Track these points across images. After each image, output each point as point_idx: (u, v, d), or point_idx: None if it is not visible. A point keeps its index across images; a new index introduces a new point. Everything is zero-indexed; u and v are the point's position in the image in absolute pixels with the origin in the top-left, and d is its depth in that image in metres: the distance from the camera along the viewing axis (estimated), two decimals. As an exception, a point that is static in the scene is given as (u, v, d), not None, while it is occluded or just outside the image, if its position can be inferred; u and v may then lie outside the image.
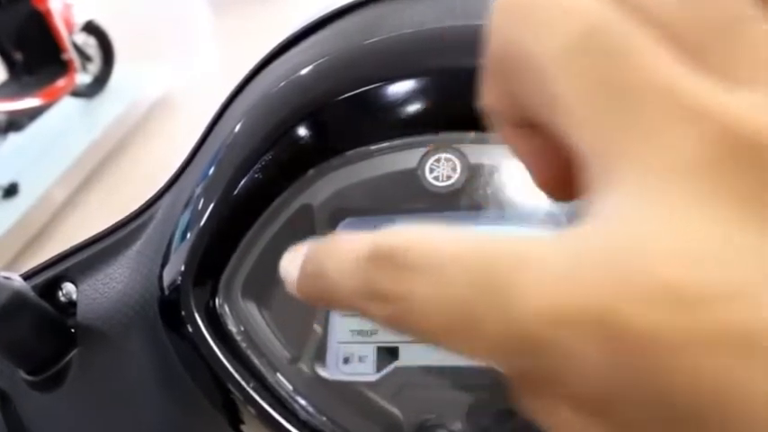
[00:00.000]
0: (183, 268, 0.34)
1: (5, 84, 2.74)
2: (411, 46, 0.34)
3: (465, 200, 0.32)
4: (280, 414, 0.31)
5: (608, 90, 0.13)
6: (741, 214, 0.12)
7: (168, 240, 0.36)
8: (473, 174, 0.33)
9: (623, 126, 0.13)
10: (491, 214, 0.32)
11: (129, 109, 3.05)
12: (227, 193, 0.34)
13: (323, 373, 0.32)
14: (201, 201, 0.35)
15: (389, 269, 0.14)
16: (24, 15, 2.71)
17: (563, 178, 0.17)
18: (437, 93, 0.33)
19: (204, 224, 0.34)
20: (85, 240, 0.40)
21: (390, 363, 0.32)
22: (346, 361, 0.32)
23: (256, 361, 0.33)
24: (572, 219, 0.31)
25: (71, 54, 2.78)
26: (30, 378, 0.38)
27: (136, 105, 3.09)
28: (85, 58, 2.94)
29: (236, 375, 0.32)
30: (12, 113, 2.60)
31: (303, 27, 0.39)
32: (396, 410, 0.31)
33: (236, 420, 0.33)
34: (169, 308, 0.35)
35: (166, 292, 0.35)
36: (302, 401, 0.32)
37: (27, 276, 0.40)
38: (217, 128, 0.40)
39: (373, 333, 0.32)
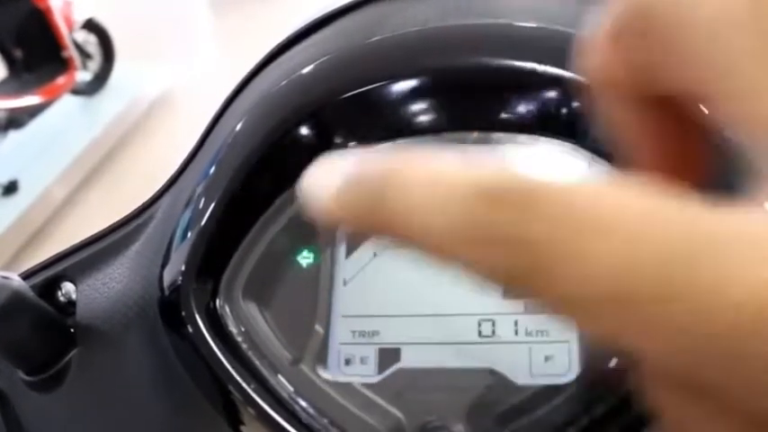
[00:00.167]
0: (183, 268, 0.34)
1: (5, 81, 2.73)
2: (414, 45, 0.34)
3: None
4: (280, 415, 0.31)
5: None
6: None
7: (168, 240, 0.36)
8: None
9: None
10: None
11: (130, 107, 3.05)
12: (227, 193, 0.34)
13: (324, 374, 0.32)
14: (202, 200, 0.35)
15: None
16: (24, 13, 2.71)
17: (683, 157, 0.16)
18: (440, 92, 0.33)
19: (205, 224, 0.34)
20: (85, 240, 0.40)
21: (392, 364, 0.31)
22: (348, 362, 0.32)
23: (257, 362, 0.32)
24: None
25: (71, 52, 2.78)
26: (28, 378, 0.38)
27: (136, 103, 3.08)
28: (86, 55, 2.94)
29: (237, 376, 0.32)
30: (12, 111, 2.60)
31: (304, 26, 0.39)
32: (397, 412, 0.30)
33: (236, 422, 0.33)
34: (169, 308, 0.35)
35: (166, 293, 0.35)
36: (303, 403, 0.31)
37: (26, 276, 0.39)
38: (218, 127, 0.39)
39: (375, 334, 0.32)
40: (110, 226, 0.40)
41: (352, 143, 0.34)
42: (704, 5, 0.13)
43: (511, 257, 0.12)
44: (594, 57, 0.16)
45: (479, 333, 0.31)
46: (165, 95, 3.16)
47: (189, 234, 0.35)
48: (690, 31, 0.13)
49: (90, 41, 2.99)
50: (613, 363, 0.29)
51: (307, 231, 0.34)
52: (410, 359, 0.31)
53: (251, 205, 0.34)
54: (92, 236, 0.40)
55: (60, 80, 2.76)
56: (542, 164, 0.32)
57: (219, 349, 0.32)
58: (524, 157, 0.32)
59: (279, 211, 0.34)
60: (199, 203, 0.35)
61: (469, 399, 0.30)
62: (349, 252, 0.34)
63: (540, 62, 0.31)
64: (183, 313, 0.33)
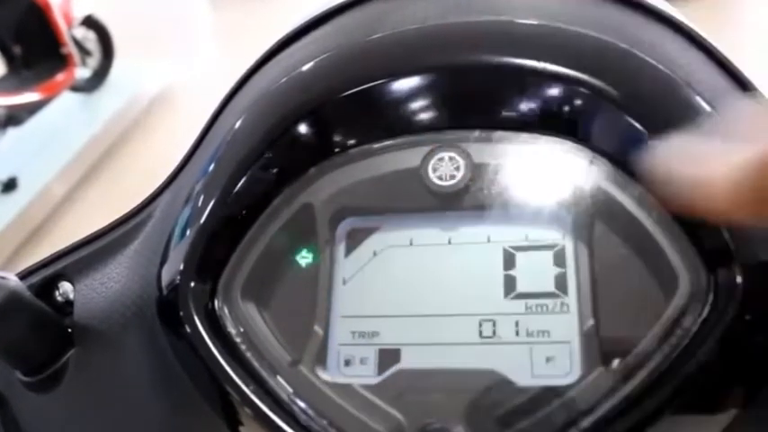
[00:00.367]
0: (181, 267, 0.34)
1: (4, 78, 2.73)
2: (414, 42, 0.34)
3: (469, 200, 0.32)
4: (279, 417, 0.31)
5: None
6: None
7: (167, 238, 0.36)
8: (477, 173, 0.32)
9: None
10: (495, 214, 0.32)
11: (129, 104, 3.05)
12: (226, 192, 0.34)
13: (323, 375, 0.32)
14: (201, 198, 0.34)
15: None
16: (23, 9, 2.70)
17: None
18: (440, 90, 0.33)
19: (204, 223, 0.34)
20: (83, 239, 0.40)
21: (392, 365, 0.31)
22: (347, 363, 0.32)
23: (256, 363, 0.32)
24: (578, 221, 0.31)
25: (70, 48, 2.78)
26: (26, 379, 0.38)
27: (136, 100, 3.08)
28: (85, 52, 2.93)
29: (235, 377, 0.31)
30: (11, 108, 2.60)
31: (304, 22, 0.39)
32: (397, 414, 0.30)
33: (234, 423, 0.33)
34: (167, 308, 0.34)
35: (164, 292, 0.34)
36: (302, 404, 0.31)
37: (23, 275, 0.39)
38: (217, 124, 0.39)
39: (375, 335, 0.32)
40: (108, 225, 0.40)
41: (351, 141, 0.34)
42: None
43: None
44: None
45: (480, 334, 0.31)
46: (164, 92, 3.15)
47: (188, 232, 0.34)
48: None
49: (89, 38, 2.99)
50: (614, 363, 0.28)
51: (306, 230, 0.34)
52: (410, 360, 0.31)
53: (250, 204, 0.34)
54: (89, 235, 0.40)
55: (59, 77, 2.76)
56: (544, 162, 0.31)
57: (218, 350, 0.32)
58: (526, 156, 0.32)
59: (278, 211, 0.34)
60: (198, 201, 0.35)
61: (470, 400, 0.30)
62: (348, 251, 0.33)
63: (541, 60, 0.31)
64: (181, 313, 0.33)
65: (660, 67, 0.31)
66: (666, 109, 0.30)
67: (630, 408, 0.27)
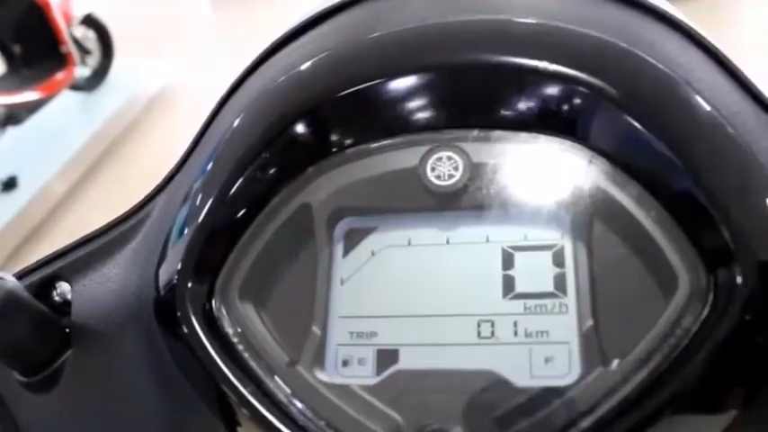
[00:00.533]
0: (179, 267, 0.34)
1: (4, 77, 2.73)
2: (412, 41, 0.33)
3: (467, 199, 0.32)
4: (277, 418, 0.30)
5: None
6: None
7: (165, 238, 0.36)
8: (475, 173, 0.32)
9: None
10: (494, 214, 0.32)
11: (129, 103, 3.05)
12: (224, 191, 0.34)
13: (321, 376, 0.31)
14: (200, 196, 0.34)
15: None
16: (23, 8, 2.70)
17: None
18: (439, 89, 0.33)
19: (201, 222, 0.34)
20: (80, 239, 0.40)
21: (390, 366, 0.31)
22: (345, 364, 0.32)
23: (253, 364, 0.32)
24: (577, 220, 0.31)
25: (70, 47, 2.78)
26: (24, 379, 0.38)
27: (135, 99, 3.08)
28: (84, 51, 2.93)
29: (233, 378, 0.31)
30: (10, 107, 2.60)
31: (303, 21, 0.39)
32: (396, 415, 0.30)
33: (232, 423, 0.33)
34: (164, 308, 0.34)
35: (162, 292, 0.34)
36: (300, 405, 0.31)
37: (21, 275, 0.39)
38: (215, 123, 0.39)
39: (373, 335, 0.32)
40: (105, 225, 0.40)
41: (349, 141, 0.34)
42: None
43: None
44: None
45: (478, 334, 0.30)
46: (164, 91, 3.15)
47: (186, 231, 0.34)
48: None
49: (89, 37, 2.99)
50: (614, 364, 0.28)
51: (303, 230, 0.34)
52: (408, 360, 0.31)
53: (247, 203, 0.34)
54: (87, 235, 0.40)
55: (59, 76, 2.76)
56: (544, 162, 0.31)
57: (215, 350, 0.32)
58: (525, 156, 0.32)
59: (275, 210, 0.34)
60: (196, 200, 0.34)
61: (469, 401, 0.29)
62: (346, 251, 0.33)
63: (540, 59, 0.31)
64: (179, 314, 0.33)
65: (660, 66, 0.31)
66: (666, 108, 0.30)
67: (630, 409, 0.27)
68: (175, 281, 0.33)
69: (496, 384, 0.30)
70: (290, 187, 0.34)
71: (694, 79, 0.31)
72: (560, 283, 0.30)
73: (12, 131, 2.68)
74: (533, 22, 0.33)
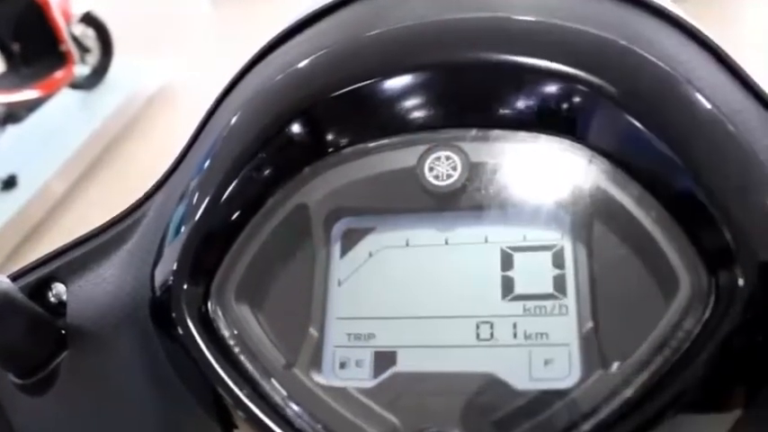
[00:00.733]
0: (175, 267, 0.33)
1: (3, 75, 2.73)
2: (410, 39, 0.33)
3: (465, 199, 0.31)
4: (273, 421, 0.30)
5: None
6: None
7: (161, 237, 0.36)
8: (474, 173, 0.32)
9: None
10: (493, 214, 0.31)
11: (129, 101, 3.05)
12: (220, 191, 0.33)
13: (318, 378, 0.31)
14: (196, 196, 0.34)
15: None
16: (22, 6, 2.70)
17: None
18: (437, 88, 0.32)
19: (197, 222, 0.33)
20: (76, 239, 0.39)
21: (388, 368, 0.31)
22: (342, 366, 0.31)
23: (249, 366, 0.32)
24: (577, 221, 0.30)
25: (69, 45, 2.77)
26: (19, 381, 0.37)
27: (135, 97, 3.08)
28: (84, 49, 2.93)
29: (229, 381, 0.31)
30: (10, 105, 2.60)
31: (300, 19, 0.38)
32: (393, 418, 0.30)
33: (228, 425, 0.33)
34: (160, 309, 0.34)
35: (157, 293, 0.34)
36: (296, 408, 0.31)
37: (16, 277, 0.39)
38: (212, 121, 0.39)
39: (370, 337, 0.31)
40: (101, 225, 0.40)
41: (346, 140, 0.33)
42: None
43: None
44: None
45: (477, 336, 0.30)
46: (163, 89, 3.15)
47: (182, 230, 0.34)
48: None
49: (88, 35, 2.99)
50: (614, 366, 0.28)
51: (300, 231, 0.33)
52: (406, 363, 0.31)
53: (244, 203, 0.33)
54: (83, 236, 0.39)
55: (58, 74, 2.75)
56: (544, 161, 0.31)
57: (211, 353, 0.32)
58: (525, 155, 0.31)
59: (272, 211, 0.33)
60: (192, 199, 0.34)
61: (467, 404, 0.29)
62: (343, 252, 0.33)
63: (538, 57, 0.31)
64: (174, 315, 0.32)
65: (660, 63, 0.30)
66: (666, 106, 0.29)
67: (631, 412, 0.27)
68: (171, 282, 0.33)
69: (495, 387, 0.29)
70: (286, 187, 0.33)
71: (695, 77, 0.31)
72: (560, 284, 0.30)
73: (11, 130, 2.68)
74: (532, 19, 0.32)
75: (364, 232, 0.33)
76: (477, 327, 0.30)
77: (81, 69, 2.95)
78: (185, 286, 0.33)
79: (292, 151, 0.33)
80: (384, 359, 0.31)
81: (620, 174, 0.30)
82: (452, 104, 0.32)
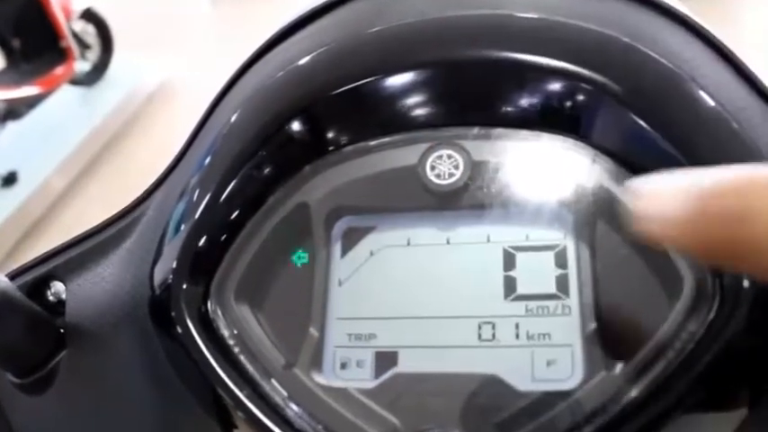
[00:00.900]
0: (174, 265, 0.33)
1: (3, 72, 2.72)
2: (411, 37, 0.33)
3: (467, 198, 0.31)
4: (273, 421, 0.30)
5: None
6: None
7: (161, 235, 0.35)
8: (476, 171, 0.31)
9: None
10: (495, 214, 0.31)
11: (129, 97, 3.05)
12: (220, 190, 0.33)
13: (319, 378, 0.31)
14: (195, 194, 0.34)
15: None
16: (22, 2, 2.70)
17: None
18: (438, 86, 0.32)
19: (197, 220, 0.33)
20: (75, 237, 0.39)
21: (389, 369, 0.30)
22: (343, 366, 0.31)
23: (249, 366, 0.31)
24: (580, 220, 0.30)
25: (69, 42, 2.77)
26: (18, 381, 0.37)
27: (135, 94, 3.08)
28: (84, 45, 2.93)
29: (228, 381, 0.31)
30: (10, 102, 2.59)
31: (300, 16, 0.38)
32: (394, 419, 0.30)
33: (227, 425, 0.32)
34: (159, 308, 0.34)
35: (157, 291, 0.34)
36: (297, 408, 0.30)
37: (14, 275, 0.39)
38: (212, 119, 0.38)
39: (371, 337, 0.31)
40: (100, 223, 0.39)
41: (347, 138, 0.33)
42: None
43: None
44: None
45: (479, 336, 0.30)
46: (164, 86, 3.15)
47: (181, 229, 0.34)
48: None
49: (88, 31, 2.98)
50: (618, 368, 0.28)
51: (300, 230, 0.33)
52: (408, 363, 0.30)
53: (244, 202, 0.33)
54: (82, 234, 0.39)
55: (58, 70, 2.75)
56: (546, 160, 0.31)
57: (210, 353, 0.31)
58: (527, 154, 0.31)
59: (272, 210, 0.33)
60: (192, 197, 0.34)
61: (469, 405, 0.29)
62: (344, 251, 0.33)
63: (541, 55, 0.30)
64: (173, 314, 0.32)
65: (664, 61, 0.30)
66: (671, 105, 0.29)
67: (634, 414, 0.27)
68: (170, 280, 0.33)
69: (497, 388, 0.29)
70: (287, 186, 0.33)
71: (699, 75, 0.30)
72: (563, 284, 0.30)
73: (11, 126, 2.68)
74: (534, 16, 0.32)
75: (365, 231, 0.33)
76: (479, 327, 0.30)
77: (81, 66, 2.94)
78: (185, 285, 0.32)
79: (293, 149, 0.33)
80: (385, 359, 0.31)
81: (624, 172, 0.29)
82: (454, 102, 0.32)
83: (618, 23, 0.32)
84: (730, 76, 0.32)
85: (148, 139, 2.89)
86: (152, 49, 3.28)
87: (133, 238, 0.38)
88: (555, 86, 0.30)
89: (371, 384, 0.30)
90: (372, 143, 0.33)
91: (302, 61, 0.34)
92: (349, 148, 0.33)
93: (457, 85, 0.32)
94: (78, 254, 0.39)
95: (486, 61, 0.31)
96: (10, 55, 2.75)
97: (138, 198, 0.40)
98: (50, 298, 0.39)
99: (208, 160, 0.35)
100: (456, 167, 0.31)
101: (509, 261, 0.31)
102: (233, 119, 0.35)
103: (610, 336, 0.28)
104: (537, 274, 0.30)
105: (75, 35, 2.85)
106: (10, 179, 2.58)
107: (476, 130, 0.32)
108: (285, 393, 0.31)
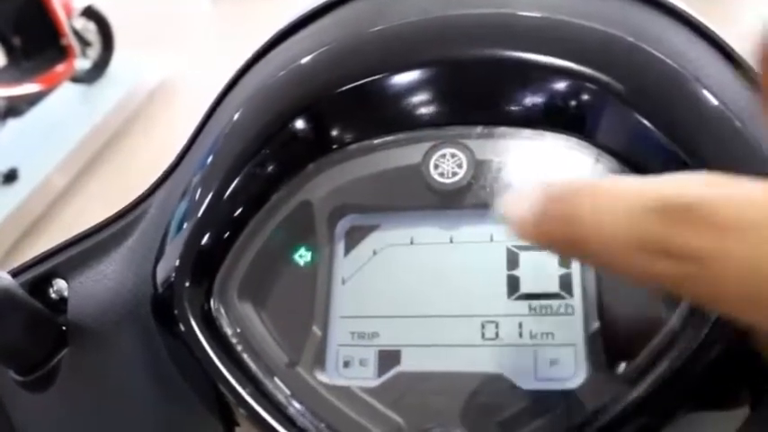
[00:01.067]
0: (177, 263, 0.33)
1: (4, 69, 2.72)
2: (415, 35, 0.33)
3: (471, 197, 0.31)
4: (276, 419, 0.30)
5: None
6: None
7: (163, 233, 0.35)
8: (480, 170, 0.31)
9: None
10: (498, 213, 0.31)
11: (130, 95, 3.04)
12: (223, 187, 0.33)
13: (322, 377, 0.31)
14: (198, 192, 0.34)
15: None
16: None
17: None
18: (442, 85, 0.32)
19: (200, 218, 0.33)
20: (77, 235, 0.39)
21: (392, 367, 0.30)
22: (346, 365, 0.31)
23: (252, 364, 0.31)
24: None
25: (70, 39, 2.76)
26: (20, 378, 0.37)
27: (136, 91, 3.08)
28: (85, 43, 2.92)
29: (231, 379, 0.31)
30: (11, 99, 2.59)
31: (303, 15, 0.38)
32: (397, 417, 0.30)
33: (230, 423, 0.32)
34: (162, 306, 0.34)
35: (159, 290, 0.34)
36: (300, 407, 0.30)
37: (16, 273, 0.39)
38: (214, 117, 0.38)
39: (374, 336, 0.31)
40: (103, 221, 0.39)
41: (350, 137, 0.33)
42: None
43: (677, 268, 0.14)
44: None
45: (482, 335, 0.30)
46: (165, 84, 3.15)
47: (184, 227, 0.34)
48: None
49: (89, 29, 2.97)
50: (621, 367, 0.28)
51: (304, 228, 0.33)
52: (411, 362, 0.30)
53: (247, 200, 0.33)
54: (84, 231, 0.39)
55: (59, 68, 2.75)
56: (551, 160, 0.31)
57: (213, 351, 0.31)
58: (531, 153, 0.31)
59: (275, 208, 0.33)
60: (195, 195, 0.34)
61: (472, 404, 0.29)
62: (347, 250, 0.33)
63: (545, 54, 0.30)
64: (176, 312, 0.32)
65: (667, 60, 0.30)
66: (674, 104, 0.29)
67: (637, 413, 0.27)
68: (173, 279, 0.33)
69: (500, 386, 0.29)
70: (290, 184, 0.33)
71: (703, 74, 0.30)
72: (566, 283, 0.30)
73: (12, 124, 2.67)
74: (538, 15, 0.32)
75: (368, 230, 0.33)
76: (483, 326, 0.30)
77: (82, 63, 2.94)
78: (187, 283, 0.32)
79: (296, 148, 0.33)
80: (388, 358, 0.31)
81: (628, 172, 0.29)
82: (458, 101, 0.32)
83: (622, 23, 0.32)
84: (733, 74, 0.32)
85: (149, 136, 2.89)
86: (153, 46, 3.28)
87: (135, 236, 0.38)
88: (558, 86, 0.30)
89: (374, 383, 0.30)
90: (376, 142, 0.33)
91: (305, 60, 0.34)
92: (352, 146, 0.33)
93: (460, 83, 0.32)
94: (80, 251, 0.39)
95: (489, 60, 0.31)
96: (11, 52, 2.74)
97: (140, 196, 0.39)
98: (52, 296, 0.38)
99: (210, 159, 0.35)
100: (459, 166, 0.31)
101: (512, 260, 0.31)
102: (235, 117, 0.35)
103: (613, 335, 0.28)
104: (540, 273, 0.30)
105: (76, 33, 2.84)
106: (10, 176, 2.58)
107: (479, 129, 0.32)
108: (288, 391, 0.31)
